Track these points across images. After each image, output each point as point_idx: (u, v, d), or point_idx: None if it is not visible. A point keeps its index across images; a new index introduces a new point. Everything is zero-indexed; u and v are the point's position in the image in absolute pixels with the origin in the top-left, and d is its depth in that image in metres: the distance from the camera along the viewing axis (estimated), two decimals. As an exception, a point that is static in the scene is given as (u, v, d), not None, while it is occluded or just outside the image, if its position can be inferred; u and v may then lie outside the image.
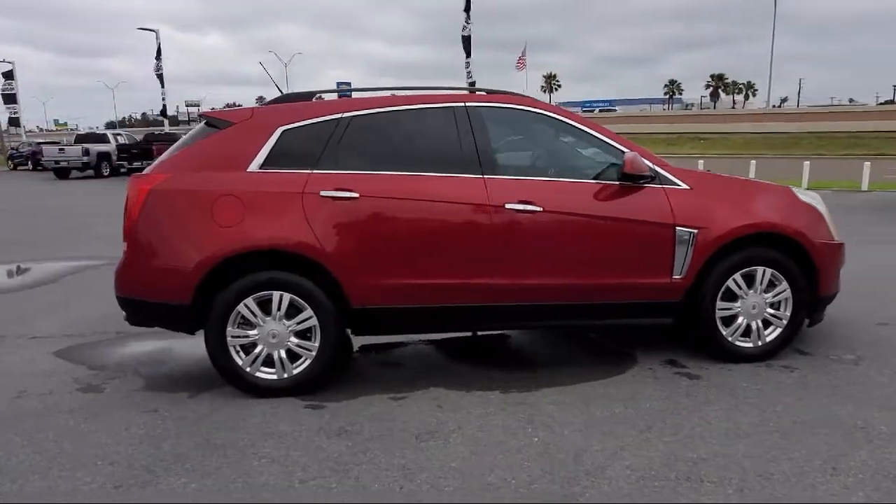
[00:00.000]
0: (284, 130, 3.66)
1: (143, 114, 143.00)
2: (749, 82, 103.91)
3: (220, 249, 3.47)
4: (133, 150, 24.92)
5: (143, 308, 3.65)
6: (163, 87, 37.32)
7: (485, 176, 3.67)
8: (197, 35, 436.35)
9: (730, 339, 3.93)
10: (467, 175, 3.66)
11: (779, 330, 3.96)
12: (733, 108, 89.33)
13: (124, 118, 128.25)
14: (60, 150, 26.31)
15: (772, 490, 2.57)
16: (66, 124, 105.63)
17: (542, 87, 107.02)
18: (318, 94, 4.09)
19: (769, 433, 3.05)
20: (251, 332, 3.56)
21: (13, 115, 40.85)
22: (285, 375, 3.60)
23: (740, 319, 3.92)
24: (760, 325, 3.94)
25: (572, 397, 3.51)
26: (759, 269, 3.86)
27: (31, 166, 31.41)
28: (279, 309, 3.55)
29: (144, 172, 3.75)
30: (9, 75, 39.46)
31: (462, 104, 3.81)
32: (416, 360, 4.28)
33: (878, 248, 7.62)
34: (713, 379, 3.72)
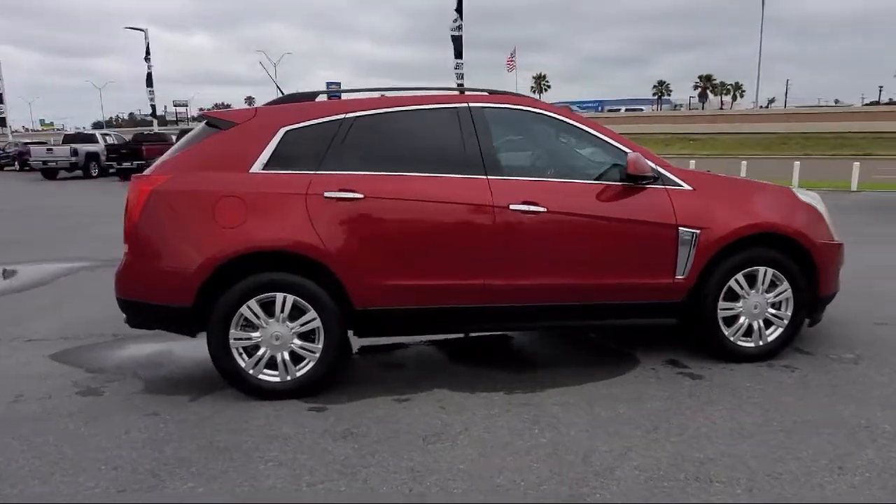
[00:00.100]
0: (288, 131, 3.63)
1: (131, 114, 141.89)
2: (737, 83, 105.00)
3: (222, 251, 3.43)
4: (122, 151, 24.59)
5: (144, 310, 3.60)
6: (151, 87, 37.04)
7: (489, 177, 3.67)
8: (184, 35, 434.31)
9: (731, 338, 3.94)
10: (471, 176, 3.66)
11: (780, 330, 3.98)
12: (721, 108, 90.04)
13: (111, 118, 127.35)
14: (48, 150, 26.03)
15: (780, 490, 2.58)
16: (52, 124, 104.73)
17: (532, 87, 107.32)
18: (319, 95, 4.06)
19: (774, 433, 3.07)
20: (254, 334, 3.53)
21: (-1, 115, 40.44)
22: (288, 378, 3.57)
23: (742, 319, 3.94)
24: (762, 324, 3.96)
25: (576, 398, 3.51)
26: (761, 269, 3.88)
27: (17, 167, 31.05)
28: (282, 311, 3.52)
29: (145, 173, 3.70)
30: (-5, 75, 39.08)
31: (465, 105, 3.80)
32: (418, 361, 4.26)
33: (874, 248, 7.68)
34: (715, 379, 3.74)
